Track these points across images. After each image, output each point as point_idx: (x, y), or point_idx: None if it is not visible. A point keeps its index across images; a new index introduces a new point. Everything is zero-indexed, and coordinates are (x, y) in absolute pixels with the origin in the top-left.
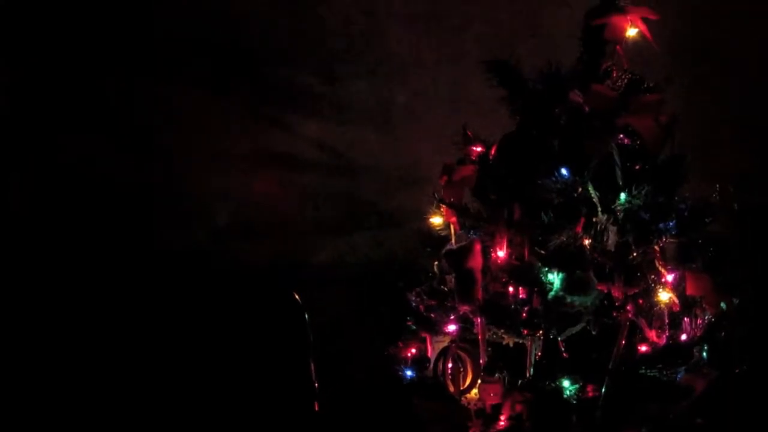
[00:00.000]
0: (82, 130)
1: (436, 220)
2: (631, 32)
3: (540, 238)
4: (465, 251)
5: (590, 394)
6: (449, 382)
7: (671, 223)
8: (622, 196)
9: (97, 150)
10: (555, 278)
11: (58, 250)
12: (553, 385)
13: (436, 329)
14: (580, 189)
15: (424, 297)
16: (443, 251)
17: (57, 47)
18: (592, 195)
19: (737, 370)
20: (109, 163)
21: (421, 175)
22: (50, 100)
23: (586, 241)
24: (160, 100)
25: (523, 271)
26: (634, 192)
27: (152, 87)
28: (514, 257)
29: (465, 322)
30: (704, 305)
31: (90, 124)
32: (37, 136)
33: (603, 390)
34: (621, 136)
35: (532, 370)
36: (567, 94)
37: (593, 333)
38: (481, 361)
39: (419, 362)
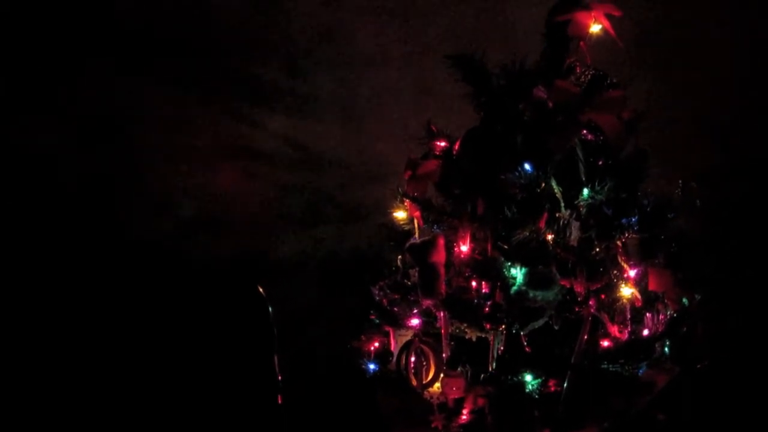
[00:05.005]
0: (45, 123)
1: (400, 215)
2: (595, 28)
3: (503, 233)
4: (428, 245)
5: (552, 389)
6: (412, 376)
7: (634, 219)
8: (585, 191)
9: (61, 142)
10: (518, 273)
11: (20, 242)
12: (515, 379)
13: (399, 323)
14: (543, 184)
15: (388, 291)
16: (407, 245)
17: (21, 39)
18: (555, 190)
19: (699, 366)
20: (72, 156)
21: (385, 170)
22: (14, 91)
23: (549, 236)
24: (124, 93)
25: (486, 266)
26: (597, 187)
27: (116, 80)
28: (477, 252)
29: (428, 316)
30: (666, 301)
31: (54, 117)
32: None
33: (565, 384)
34: (584, 131)
35: (494, 364)
36: (531, 90)
37: (555, 328)
38: (443, 355)
39: (382, 356)
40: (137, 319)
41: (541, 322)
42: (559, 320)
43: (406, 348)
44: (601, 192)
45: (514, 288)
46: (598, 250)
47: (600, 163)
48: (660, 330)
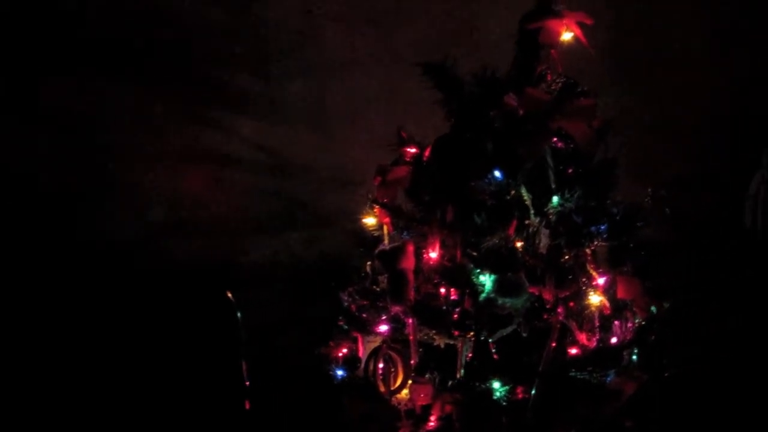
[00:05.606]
0: (15, 125)
1: (370, 221)
2: (567, 36)
3: (472, 240)
4: (398, 252)
5: (520, 396)
6: (380, 383)
7: (603, 227)
8: (555, 199)
9: (30, 145)
10: (487, 280)
11: None
12: (483, 386)
13: (367, 329)
14: (512, 191)
15: (357, 297)
16: (376, 252)
17: None
18: (525, 197)
19: (667, 374)
20: (41, 159)
21: (355, 176)
22: None
23: (519, 244)
24: (95, 97)
25: (455, 273)
26: (567, 195)
27: (87, 84)
28: (446, 258)
29: (396, 323)
30: (634, 309)
31: (23, 119)
32: None
33: (533, 392)
34: (554, 139)
35: (462, 371)
36: (502, 97)
37: (524, 335)
38: (411, 362)
39: (350, 362)
40: (103, 323)
41: (509, 329)
42: (527, 327)
43: (374, 354)
44: (570, 200)
45: (483, 295)
46: (567, 257)
47: (570, 170)
48: (628, 338)
